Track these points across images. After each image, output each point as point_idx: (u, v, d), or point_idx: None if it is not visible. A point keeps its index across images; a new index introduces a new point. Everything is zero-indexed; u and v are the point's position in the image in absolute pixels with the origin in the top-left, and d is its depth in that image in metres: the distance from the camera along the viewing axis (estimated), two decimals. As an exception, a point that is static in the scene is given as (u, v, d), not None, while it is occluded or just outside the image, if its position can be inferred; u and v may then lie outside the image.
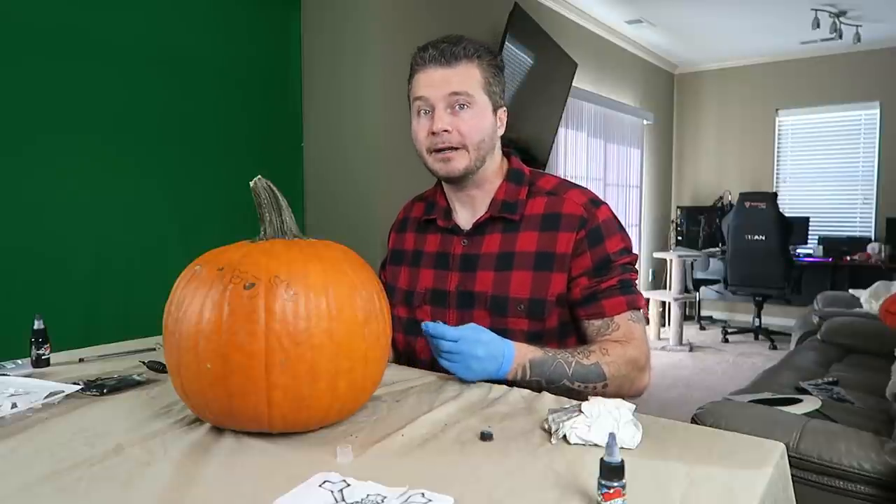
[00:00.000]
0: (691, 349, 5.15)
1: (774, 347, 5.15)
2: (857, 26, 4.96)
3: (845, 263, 5.45)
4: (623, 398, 0.99)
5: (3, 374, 1.08)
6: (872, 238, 5.67)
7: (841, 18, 4.82)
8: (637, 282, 1.15)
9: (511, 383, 1.03)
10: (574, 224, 1.12)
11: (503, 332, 1.06)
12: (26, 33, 2.03)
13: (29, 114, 2.05)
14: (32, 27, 2.04)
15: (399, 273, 1.28)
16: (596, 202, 1.15)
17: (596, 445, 0.76)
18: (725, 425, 1.55)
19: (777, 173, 6.27)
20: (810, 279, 5.52)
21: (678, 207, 6.52)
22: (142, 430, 0.83)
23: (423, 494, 0.63)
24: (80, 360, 1.22)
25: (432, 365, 1.17)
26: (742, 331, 5.68)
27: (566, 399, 0.94)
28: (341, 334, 0.80)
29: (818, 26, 4.79)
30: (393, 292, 1.25)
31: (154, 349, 1.30)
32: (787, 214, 5.32)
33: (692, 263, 5.86)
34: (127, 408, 0.93)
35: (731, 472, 0.70)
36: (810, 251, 5.73)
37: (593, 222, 1.12)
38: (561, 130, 4.50)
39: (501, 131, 1.19)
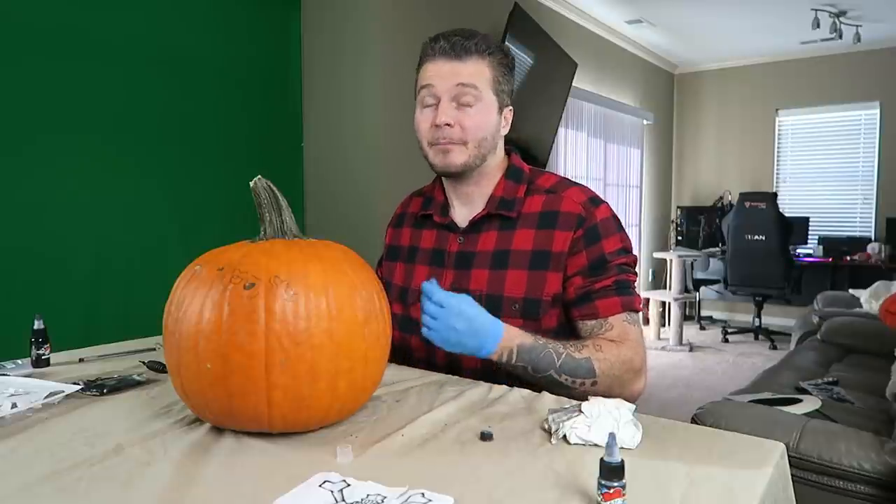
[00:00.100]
0: (691, 349, 5.15)
1: (774, 347, 5.15)
2: (857, 26, 4.96)
3: (845, 263, 5.45)
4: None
5: (3, 374, 1.08)
6: (872, 238, 5.67)
7: (841, 18, 4.82)
8: (635, 283, 1.13)
9: (496, 366, 1.02)
10: (572, 223, 1.11)
11: None
12: (26, 33, 2.03)
13: (29, 114, 2.05)
14: (32, 27, 2.04)
15: (395, 269, 1.28)
16: (595, 201, 1.14)
17: (596, 445, 0.76)
18: (725, 425, 1.55)
19: (777, 173, 6.27)
20: (810, 279, 5.52)
21: (678, 207, 6.52)
22: (142, 430, 0.83)
23: (423, 494, 0.63)
24: (80, 360, 1.22)
25: (427, 362, 1.17)
26: (742, 331, 5.68)
27: (566, 399, 0.93)
28: (341, 334, 0.80)
29: (818, 26, 4.79)
30: (388, 288, 1.24)
31: (154, 349, 1.30)
32: (787, 214, 5.33)
33: (692, 263, 5.86)
34: (127, 408, 0.93)
35: (731, 472, 0.70)
36: (810, 251, 5.73)
37: (591, 221, 1.10)
38: (561, 130, 4.50)
39: (506, 131, 1.18)
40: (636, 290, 1.13)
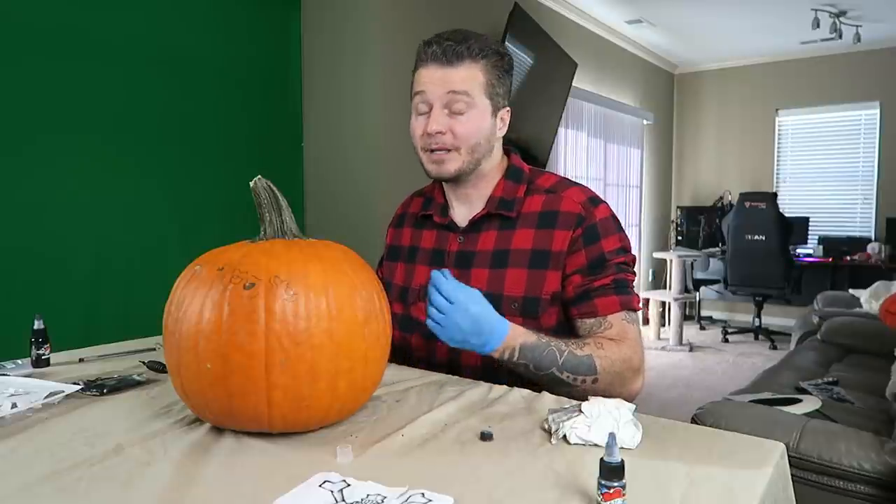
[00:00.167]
0: (691, 349, 5.15)
1: (774, 347, 5.15)
2: (857, 26, 4.96)
3: (845, 263, 5.45)
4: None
5: (3, 374, 1.08)
6: (872, 238, 5.67)
7: (841, 18, 4.82)
8: (634, 283, 1.14)
9: (496, 364, 1.02)
10: (571, 222, 1.11)
11: None
12: (26, 33, 2.03)
13: (29, 114, 2.05)
14: (32, 27, 2.04)
15: (395, 269, 1.28)
16: (595, 200, 1.14)
17: (596, 445, 0.76)
18: (725, 425, 1.55)
19: (777, 173, 6.27)
20: (810, 279, 5.53)
21: (678, 207, 6.52)
22: (142, 430, 0.83)
23: (423, 494, 0.63)
24: (80, 360, 1.22)
25: (427, 362, 1.17)
26: (742, 331, 5.68)
27: (566, 399, 0.93)
28: (341, 334, 0.80)
29: (818, 26, 4.79)
30: (389, 288, 1.24)
31: (154, 349, 1.30)
32: (787, 214, 5.33)
33: (692, 263, 5.86)
34: (127, 408, 0.93)
35: (731, 472, 0.70)
36: (810, 251, 5.73)
37: (591, 220, 1.10)
38: (561, 130, 4.51)
39: (503, 132, 1.18)
40: (634, 289, 1.14)
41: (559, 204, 1.13)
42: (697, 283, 6.01)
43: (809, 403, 2.03)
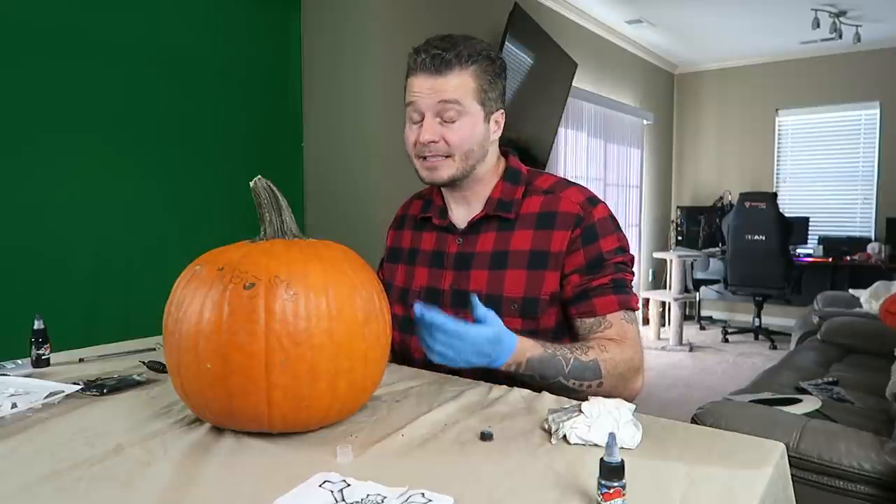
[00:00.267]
0: (691, 349, 5.15)
1: (774, 347, 5.15)
2: (857, 26, 4.96)
3: (845, 263, 5.45)
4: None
5: (3, 374, 1.08)
6: (872, 238, 5.67)
7: (841, 18, 4.82)
8: (632, 283, 1.14)
9: (506, 375, 1.02)
10: (570, 222, 1.11)
11: None
12: (26, 33, 2.03)
13: (29, 114, 2.05)
14: (32, 27, 2.04)
15: (396, 271, 1.29)
16: (593, 200, 1.14)
17: (596, 445, 0.76)
18: (725, 425, 1.55)
19: (777, 173, 6.27)
20: (810, 279, 5.53)
21: (678, 207, 6.52)
22: (142, 430, 0.83)
23: (423, 494, 0.63)
24: (80, 360, 1.22)
25: (427, 363, 1.17)
26: (742, 331, 5.68)
27: (566, 399, 0.93)
28: (341, 334, 0.80)
29: (818, 26, 4.79)
30: (389, 290, 1.24)
31: (154, 349, 1.30)
32: (787, 214, 5.33)
33: (692, 263, 5.86)
34: (127, 408, 0.93)
35: (731, 472, 0.70)
36: (810, 251, 5.73)
37: (589, 220, 1.11)
38: (561, 130, 4.50)
39: (497, 135, 1.18)
40: (633, 289, 1.14)
41: (557, 204, 1.14)
42: (697, 283, 6.01)
43: (809, 403, 2.03)
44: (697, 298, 6.20)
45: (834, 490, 1.47)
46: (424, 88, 1.09)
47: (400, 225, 1.34)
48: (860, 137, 5.87)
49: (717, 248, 5.88)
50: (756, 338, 5.48)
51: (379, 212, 2.82)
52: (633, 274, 1.14)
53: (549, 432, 0.80)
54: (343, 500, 0.63)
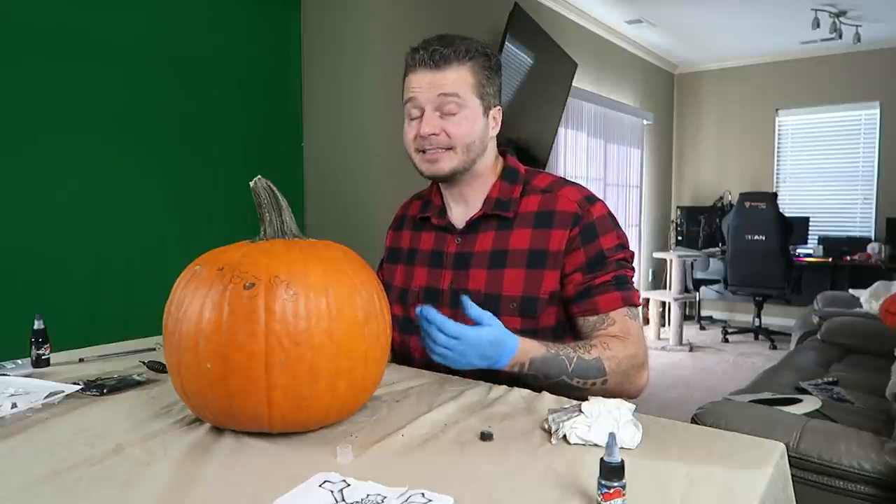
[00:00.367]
0: (691, 349, 5.15)
1: (774, 347, 5.15)
2: (857, 26, 4.96)
3: (845, 263, 5.45)
4: (622, 397, 0.99)
5: (3, 374, 1.08)
6: (872, 238, 5.67)
7: (841, 18, 4.82)
8: (633, 279, 1.14)
9: (508, 375, 1.02)
10: (568, 221, 1.11)
11: None
12: (26, 33, 2.03)
13: (29, 114, 2.05)
14: (32, 27, 2.04)
15: (395, 271, 1.29)
16: (591, 199, 1.15)
17: (596, 445, 0.76)
18: (725, 425, 1.55)
19: (777, 173, 6.27)
20: (810, 279, 5.52)
21: (678, 207, 6.52)
22: (142, 430, 0.83)
23: (423, 494, 0.63)
24: (80, 360, 1.22)
25: (427, 363, 1.17)
26: (742, 331, 5.68)
27: (566, 399, 0.93)
28: (341, 334, 0.80)
29: (818, 26, 4.79)
30: (389, 290, 1.24)
31: (154, 349, 1.30)
32: (787, 214, 5.32)
33: (692, 263, 5.86)
34: (127, 408, 0.93)
35: (731, 472, 0.70)
36: (810, 251, 5.73)
37: (588, 219, 1.11)
38: (561, 130, 4.50)
39: (496, 131, 1.19)
40: (634, 284, 1.14)
41: (555, 203, 1.14)
42: (697, 283, 6.01)
43: (809, 403, 2.03)
44: (697, 298, 6.20)
45: (834, 490, 1.47)
46: (424, 83, 1.10)
47: (399, 225, 1.34)
48: (860, 137, 5.87)
49: (717, 248, 5.88)
50: (756, 338, 5.48)
51: (379, 212, 2.82)
52: (633, 270, 1.15)
53: (549, 432, 0.80)
54: (343, 500, 0.63)
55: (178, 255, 1.10)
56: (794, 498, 0.78)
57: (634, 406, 0.80)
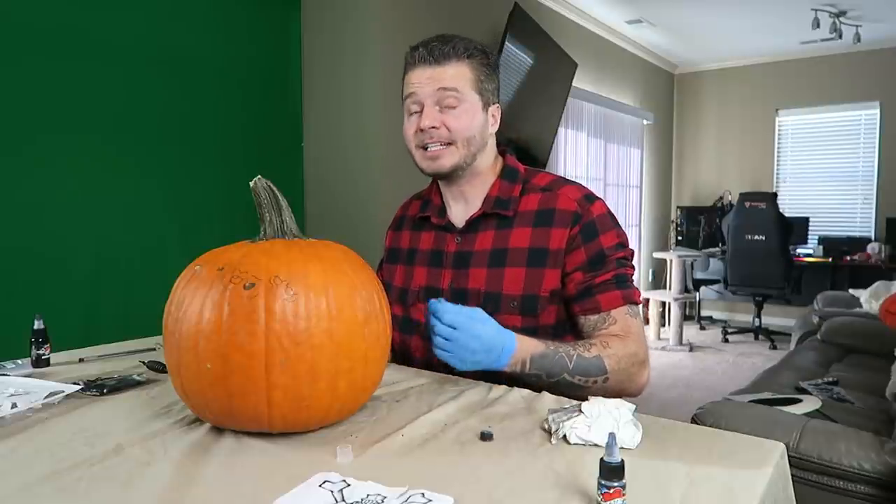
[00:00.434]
0: (691, 349, 5.15)
1: (774, 347, 5.15)
2: (857, 26, 4.96)
3: (845, 263, 5.45)
4: (624, 396, 0.99)
5: (3, 374, 1.08)
6: (872, 238, 5.67)
7: (841, 18, 4.82)
8: (633, 277, 1.15)
9: (509, 376, 1.02)
10: (568, 220, 1.11)
11: None
12: (26, 33, 2.03)
13: (29, 114, 2.05)
14: (32, 27, 2.04)
15: (395, 271, 1.29)
16: (591, 198, 1.15)
17: (596, 445, 0.76)
18: (725, 425, 1.55)
19: (777, 173, 6.27)
20: (810, 279, 5.53)
21: (678, 207, 6.52)
22: (142, 430, 0.83)
23: (423, 494, 0.63)
24: (80, 360, 1.22)
25: (427, 364, 1.17)
26: (742, 331, 5.68)
27: (566, 399, 0.93)
28: (341, 334, 0.80)
29: (818, 26, 4.79)
30: (388, 290, 1.24)
31: (154, 349, 1.30)
32: (787, 214, 5.33)
33: (692, 263, 5.86)
34: (127, 408, 0.93)
35: (731, 472, 0.70)
36: (810, 251, 5.73)
37: (588, 217, 1.11)
38: (561, 130, 4.50)
39: (495, 128, 1.19)
40: (634, 283, 1.14)
41: (555, 202, 1.14)
42: (697, 283, 6.01)
43: (809, 403, 2.03)
44: (697, 298, 6.20)
45: (834, 490, 1.47)
46: (423, 78, 1.11)
47: (399, 226, 1.34)
48: (860, 137, 5.87)
49: (717, 248, 5.88)
50: (756, 338, 5.48)
51: (379, 212, 2.82)
52: (633, 268, 1.15)
53: (549, 432, 0.80)
54: (343, 500, 0.63)
55: (178, 255, 1.11)
56: (794, 498, 0.78)
57: (634, 406, 0.80)
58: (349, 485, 0.66)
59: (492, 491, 0.66)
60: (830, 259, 5.50)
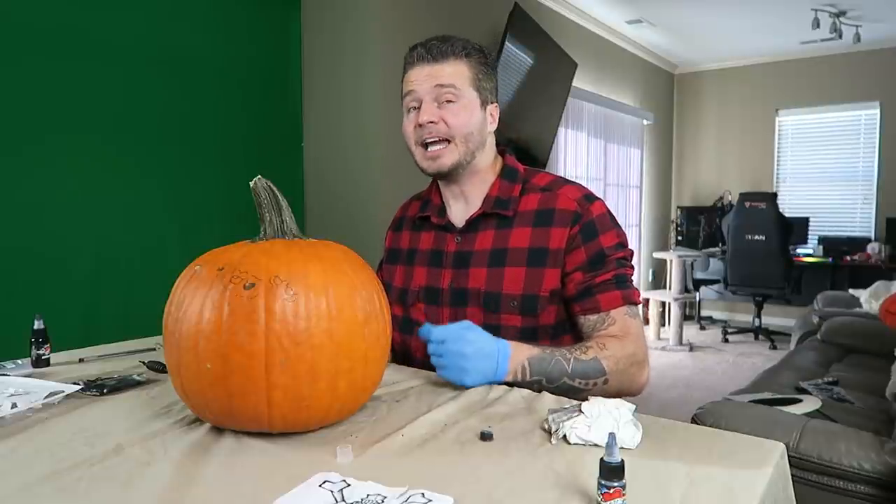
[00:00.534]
0: (691, 349, 5.15)
1: (774, 347, 5.15)
2: (857, 26, 4.96)
3: (845, 263, 5.46)
4: (624, 396, 0.99)
5: (3, 374, 1.08)
6: (872, 238, 5.67)
7: (841, 18, 4.82)
8: (633, 277, 1.15)
9: (511, 385, 1.03)
10: (567, 219, 1.12)
11: (496, 329, 1.06)
12: (26, 33, 2.03)
13: (29, 114, 2.05)
14: (32, 27, 2.04)
15: (395, 271, 1.29)
16: (590, 198, 1.15)
17: (596, 445, 0.76)
18: (725, 425, 1.55)
19: (777, 173, 6.27)
20: (810, 279, 5.53)
21: (678, 207, 6.52)
22: (142, 430, 0.83)
23: (423, 494, 0.63)
24: (80, 360, 1.22)
25: (427, 363, 1.18)
26: (742, 331, 5.68)
27: (566, 399, 0.93)
28: (341, 334, 0.80)
29: (818, 26, 4.79)
30: (389, 291, 1.25)
31: (154, 349, 1.30)
32: (787, 214, 5.33)
33: (692, 263, 5.86)
34: (127, 408, 0.93)
35: (731, 472, 0.70)
36: (810, 251, 5.73)
37: (587, 217, 1.11)
38: (561, 130, 4.50)
39: (493, 127, 1.20)
40: (633, 282, 1.15)
41: (555, 202, 1.14)
42: (697, 283, 6.01)
43: (809, 403, 2.03)
44: (697, 298, 6.20)
45: (834, 490, 1.47)
46: (422, 76, 1.12)
47: (398, 226, 1.34)
48: (860, 137, 5.87)
49: (717, 248, 5.88)
50: (756, 338, 5.48)
51: (379, 212, 2.82)
52: (633, 268, 1.15)
53: (549, 432, 0.80)
54: (343, 500, 0.63)
55: (178, 255, 1.11)
56: (794, 498, 0.78)
57: (634, 406, 0.80)
58: (349, 485, 0.66)
59: (492, 491, 0.66)
60: (830, 259, 5.50)
